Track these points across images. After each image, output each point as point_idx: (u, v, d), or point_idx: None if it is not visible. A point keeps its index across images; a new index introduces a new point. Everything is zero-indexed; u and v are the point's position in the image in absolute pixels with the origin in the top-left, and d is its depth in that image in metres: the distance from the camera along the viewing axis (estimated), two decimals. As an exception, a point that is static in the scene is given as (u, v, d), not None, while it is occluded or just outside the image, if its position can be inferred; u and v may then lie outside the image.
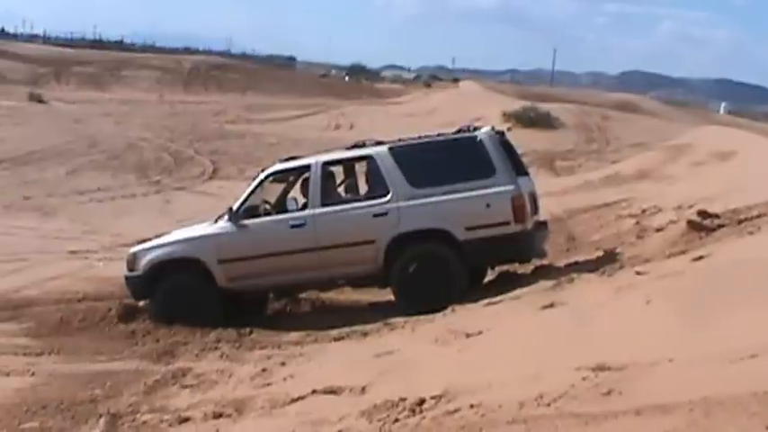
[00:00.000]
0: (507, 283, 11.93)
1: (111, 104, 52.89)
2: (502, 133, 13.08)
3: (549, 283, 10.92)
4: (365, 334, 10.99)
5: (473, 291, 11.76)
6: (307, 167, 12.75)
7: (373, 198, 12.30)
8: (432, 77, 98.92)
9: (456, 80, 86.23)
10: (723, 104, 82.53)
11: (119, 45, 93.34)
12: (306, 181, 12.71)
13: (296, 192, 13.02)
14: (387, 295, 12.55)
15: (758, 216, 11.13)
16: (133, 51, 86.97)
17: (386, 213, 12.10)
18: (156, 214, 22.30)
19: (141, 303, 12.98)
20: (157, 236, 13.99)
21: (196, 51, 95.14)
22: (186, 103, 54.99)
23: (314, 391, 8.46)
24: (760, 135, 26.87)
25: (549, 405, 6.00)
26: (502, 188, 11.86)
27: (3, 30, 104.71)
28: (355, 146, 13.19)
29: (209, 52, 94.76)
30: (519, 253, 12.24)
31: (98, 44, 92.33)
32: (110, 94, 61.86)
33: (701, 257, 9.80)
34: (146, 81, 70.14)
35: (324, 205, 12.36)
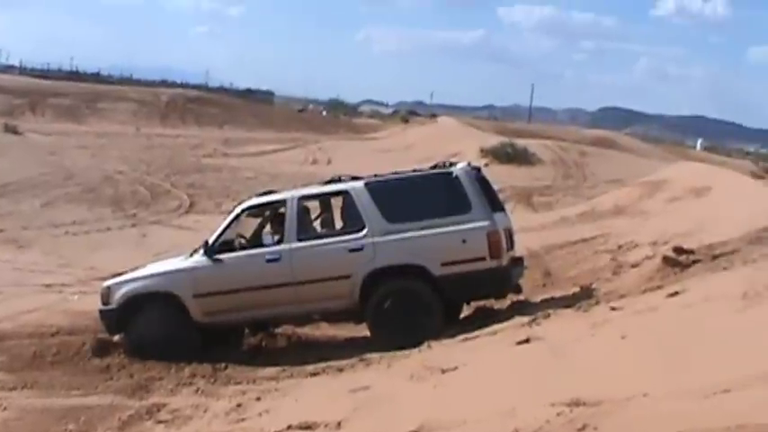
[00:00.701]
0: (483, 319, 11.96)
1: (88, 137, 52.63)
2: (478, 169, 13.14)
3: (525, 318, 10.93)
4: (341, 369, 10.93)
5: (449, 326, 11.77)
6: (283, 202, 12.74)
7: (349, 233, 12.30)
8: (409, 113, 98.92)
9: (434, 115, 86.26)
10: (699, 141, 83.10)
11: (96, 77, 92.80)
12: (282, 215, 12.69)
13: (272, 226, 12.99)
14: (363, 330, 12.54)
15: (732, 252, 11.22)
16: (110, 83, 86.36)
17: (361, 248, 12.09)
18: (132, 248, 22.12)
19: (116, 338, 12.88)
20: (132, 269, 13.90)
21: (173, 84, 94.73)
22: (163, 137, 54.83)
23: (289, 427, 8.39)
24: (735, 171, 27.13)
25: (524, 440, 5.99)
26: (478, 224, 11.88)
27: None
28: (331, 181, 13.21)
29: (186, 85, 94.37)
30: (495, 288, 12.24)
31: (75, 76, 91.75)
32: (86, 127, 61.56)
33: (675, 293, 9.85)
34: (123, 114, 69.79)
35: (300, 240, 12.34)
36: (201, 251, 12.66)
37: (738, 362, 6.80)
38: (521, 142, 45.32)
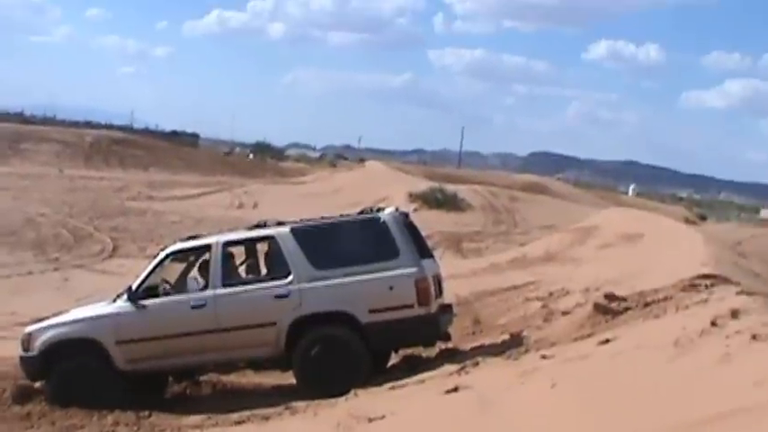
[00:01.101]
0: (411, 367, 11.88)
1: (10, 178, 51.69)
2: (406, 215, 13.09)
3: (454, 366, 10.86)
4: (266, 418, 10.75)
5: (376, 374, 11.66)
6: (208, 247, 12.59)
7: (275, 279, 12.15)
8: (337, 156, 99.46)
9: (362, 160, 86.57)
10: (632, 186, 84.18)
11: (19, 117, 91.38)
12: (207, 261, 12.51)
13: (197, 272, 12.80)
14: (289, 378, 12.38)
15: (665, 299, 11.26)
16: (33, 123, 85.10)
17: (287, 295, 11.94)
18: (54, 292, 21.77)
19: (37, 384, 12.60)
20: (54, 315, 13.68)
21: (98, 125, 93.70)
22: (87, 179, 54.09)
23: (212, 477, 8.25)
24: (668, 217, 27.50)
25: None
26: (405, 270, 11.80)
27: None
28: (257, 226, 13.09)
29: (111, 126, 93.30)
30: (423, 336, 12.13)
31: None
32: (8, 168, 60.52)
33: (607, 341, 9.85)
34: (45, 155, 68.79)
35: (225, 286, 12.18)
36: (125, 296, 12.44)
37: (669, 411, 6.79)
38: (450, 187, 45.33)
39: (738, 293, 10.29)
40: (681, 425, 6.34)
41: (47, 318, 13.61)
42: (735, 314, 8.81)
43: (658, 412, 6.82)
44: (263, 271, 12.66)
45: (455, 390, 9.51)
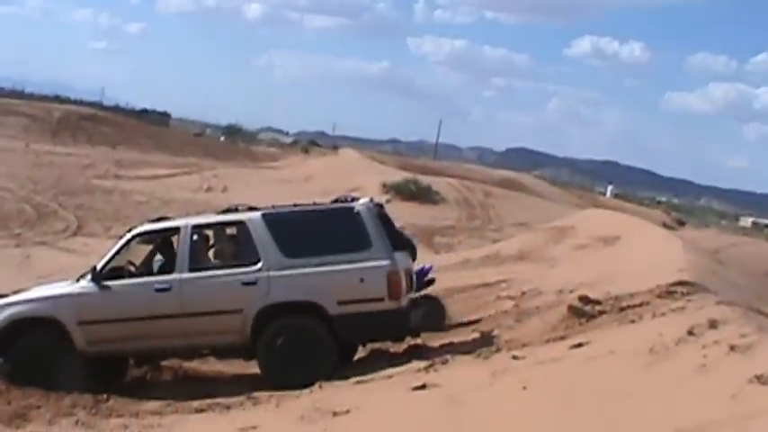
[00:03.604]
0: (378, 362, 11.68)
1: (-25, 151, 51.11)
2: (380, 206, 12.93)
3: (422, 363, 10.68)
4: (228, 407, 10.58)
5: (342, 367, 11.50)
6: (176, 230, 12.37)
7: (243, 266, 11.94)
8: (310, 143, 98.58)
9: (335, 147, 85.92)
10: (610, 187, 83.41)
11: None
12: (174, 244, 12.29)
13: (163, 254, 12.58)
14: (252, 367, 12.20)
15: (641, 304, 11.14)
16: (0, 96, 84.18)
17: (255, 282, 11.75)
18: (15, 269, 21.56)
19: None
20: (15, 292, 13.50)
21: (67, 100, 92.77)
22: (53, 154, 53.38)
23: (170, 465, 8.07)
24: (645, 220, 27.41)
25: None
26: (377, 263, 11.63)
27: None
28: (228, 210, 12.92)
29: (80, 102, 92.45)
30: (392, 331, 11.96)
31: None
32: (-27, 141, 59.85)
33: (580, 344, 9.73)
34: (12, 128, 67.84)
35: (191, 270, 11.99)
36: (89, 277, 12.23)
37: (643, 419, 6.71)
38: (425, 179, 44.98)
39: (717, 303, 10.19)
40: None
41: (6, 295, 13.35)
42: (713, 324, 8.71)
43: (632, 421, 6.72)
44: (232, 257, 12.43)
45: (423, 387, 9.38)
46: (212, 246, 12.89)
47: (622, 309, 11.22)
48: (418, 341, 12.66)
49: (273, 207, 12.75)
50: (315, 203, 12.94)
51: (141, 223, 13.38)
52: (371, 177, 45.46)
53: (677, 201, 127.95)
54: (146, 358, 12.73)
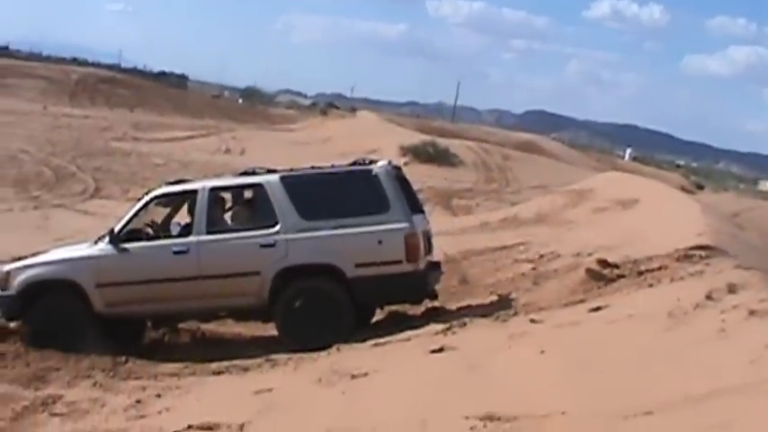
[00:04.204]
0: (396, 324, 11.68)
1: (-6, 113, 51.21)
2: (398, 168, 12.86)
3: (440, 326, 10.67)
4: (246, 369, 10.62)
5: (360, 330, 11.47)
6: (194, 192, 12.34)
7: (261, 228, 11.92)
8: (329, 105, 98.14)
9: (354, 109, 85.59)
10: (628, 150, 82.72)
11: (4, 51, 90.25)
12: (192, 206, 12.28)
13: (181, 217, 12.58)
14: (270, 330, 12.22)
15: (659, 268, 11.07)
16: (18, 58, 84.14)
17: (273, 245, 11.73)
18: (34, 231, 21.53)
19: (13, 324, 12.42)
20: (34, 254, 13.51)
21: (85, 63, 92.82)
22: (71, 117, 53.43)
23: (189, 427, 8.13)
24: (664, 184, 27.22)
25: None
26: (395, 225, 11.59)
27: None
28: (246, 173, 12.85)
29: (98, 65, 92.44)
30: (410, 293, 11.95)
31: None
32: (-8, 103, 59.94)
33: (598, 308, 9.71)
34: (30, 91, 67.90)
35: (209, 233, 11.97)
36: (107, 239, 12.23)
37: (661, 383, 6.70)
38: (443, 142, 44.84)
39: (736, 267, 10.12)
40: (673, 401, 6.21)
41: (26, 257, 13.43)
42: (732, 288, 8.67)
43: (650, 386, 6.71)
44: (250, 219, 12.42)
45: (441, 350, 9.41)
46: (230, 208, 12.88)
47: (641, 272, 11.15)
48: (436, 304, 12.63)
49: (292, 170, 12.71)
50: (333, 166, 12.89)
51: (159, 186, 13.37)
52: (389, 140, 45.28)
53: (696, 164, 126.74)
54: (163, 320, 12.75)
